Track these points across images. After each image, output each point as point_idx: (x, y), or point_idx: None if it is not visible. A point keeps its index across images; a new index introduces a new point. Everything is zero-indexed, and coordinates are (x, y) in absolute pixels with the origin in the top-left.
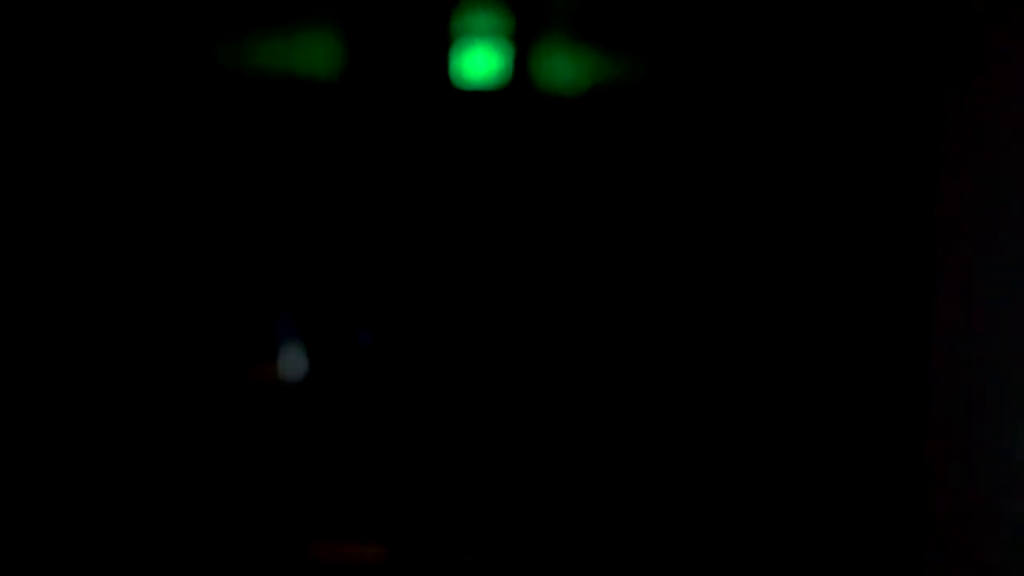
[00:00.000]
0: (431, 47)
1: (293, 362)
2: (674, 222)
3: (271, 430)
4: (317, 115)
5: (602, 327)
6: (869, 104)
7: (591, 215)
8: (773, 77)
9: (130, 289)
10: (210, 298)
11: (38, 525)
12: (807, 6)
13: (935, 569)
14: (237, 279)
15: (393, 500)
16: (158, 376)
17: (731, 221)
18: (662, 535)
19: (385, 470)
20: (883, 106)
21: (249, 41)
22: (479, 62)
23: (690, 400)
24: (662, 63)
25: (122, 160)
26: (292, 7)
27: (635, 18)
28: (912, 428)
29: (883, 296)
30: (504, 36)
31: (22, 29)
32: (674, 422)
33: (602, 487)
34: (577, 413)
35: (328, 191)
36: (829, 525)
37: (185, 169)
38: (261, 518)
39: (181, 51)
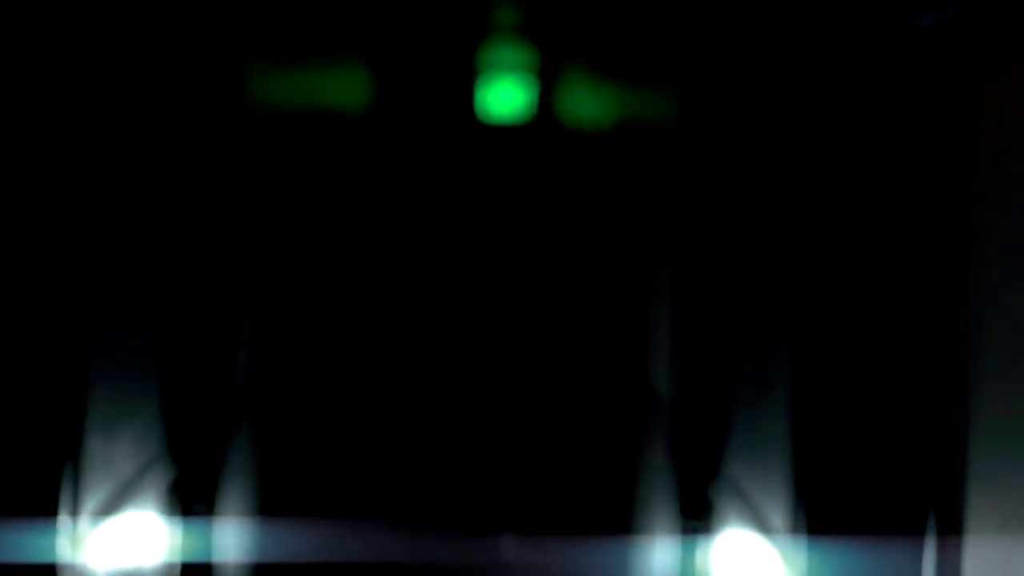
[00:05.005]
0: (457, 82)
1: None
2: (697, 256)
3: None
4: (342, 149)
5: (627, 361)
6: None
7: (616, 250)
8: (797, 106)
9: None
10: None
11: None
12: (832, 41)
13: None
14: (258, 306)
15: None
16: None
17: (761, 253)
18: None
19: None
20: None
21: (275, 74)
22: (504, 97)
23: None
24: (687, 100)
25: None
26: (318, 41)
27: (660, 54)
28: None
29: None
30: (530, 71)
31: (52, 64)
32: None
33: None
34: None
35: (353, 224)
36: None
37: (210, 200)
38: None
39: (210, 83)
